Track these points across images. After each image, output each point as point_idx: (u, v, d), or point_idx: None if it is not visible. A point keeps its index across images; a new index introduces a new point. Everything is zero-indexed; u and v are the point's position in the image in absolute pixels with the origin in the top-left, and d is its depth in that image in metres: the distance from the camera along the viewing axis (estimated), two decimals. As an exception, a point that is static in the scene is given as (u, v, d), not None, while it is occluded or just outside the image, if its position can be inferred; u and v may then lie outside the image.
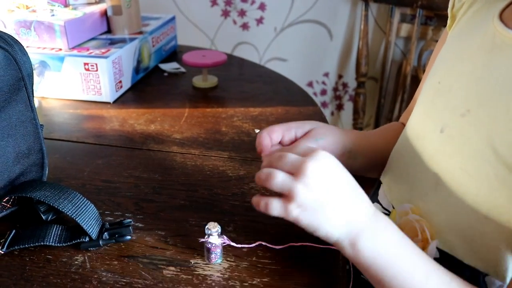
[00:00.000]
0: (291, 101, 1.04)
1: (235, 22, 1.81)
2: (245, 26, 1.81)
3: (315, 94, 1.88)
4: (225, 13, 1.79)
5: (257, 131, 0.84)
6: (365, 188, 0.52)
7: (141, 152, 0.83)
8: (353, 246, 0.49)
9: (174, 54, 1.36)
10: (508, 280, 0.50)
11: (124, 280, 0.55)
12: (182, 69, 1.23)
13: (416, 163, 0.59)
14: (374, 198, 0.68)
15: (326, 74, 1.85)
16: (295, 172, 0.48)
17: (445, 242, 0.54)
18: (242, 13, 1.78)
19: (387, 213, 0.63)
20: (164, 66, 1.24)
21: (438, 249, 0.54)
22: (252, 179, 0.74)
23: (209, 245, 0.56)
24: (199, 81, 1.13)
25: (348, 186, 0.50)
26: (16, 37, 0.90)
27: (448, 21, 0.68)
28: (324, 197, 0.48)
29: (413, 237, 0.55)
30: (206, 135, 0.89)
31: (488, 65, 0.53)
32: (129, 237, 0.60)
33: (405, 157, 0.63)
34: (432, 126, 0.57)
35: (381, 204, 0.65)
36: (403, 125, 0.77)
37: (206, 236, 0.56)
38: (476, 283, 0.51)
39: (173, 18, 1.36)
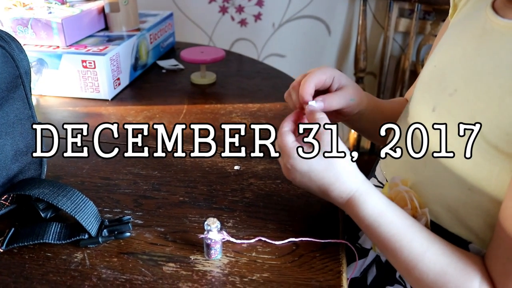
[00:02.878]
0: (290, 96, 1.04)
1: (233, 18, 1.80)
2: (243, 22, 1.80)
3: (313, 90, 1.88)
4: (223, 9, 1.79)
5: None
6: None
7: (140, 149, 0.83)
8: (349, 205, 0.56)
9: (172, 51, 1.36)
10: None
11: (124, 277, 0.55)
12: (180, 66, 1.22)
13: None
14: (372, 174, 0.73)
15: (325, 70, 1.85)
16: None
17: (432, 212, 0.58)
18: (240, 9, 1.78)
19: (381, 186, 0.67)
20: (162, 63, 1.24)
21: None
22: (251, 175, 0.74)
23: (209, 241, 0.56)
24: (197, 78, 1.12)
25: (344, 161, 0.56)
26: (13, 35, 0.90)
27: (450, 10, 0.71)
28: (334, 159, 0.55)
29: (403, 206, 0.59)
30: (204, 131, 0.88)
31: (477, 48, 0.57)
32: (128, 234, 0.60)
33: (401, 132, 0.67)
34: (426, 106, 0.61)
35: (376, 178, 0.70)
36: (407, 101, 0.81)
37: (206, 232, 0.56)
38: None
39: (170, 15, 1.36)
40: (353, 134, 1.73)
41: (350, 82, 0.68)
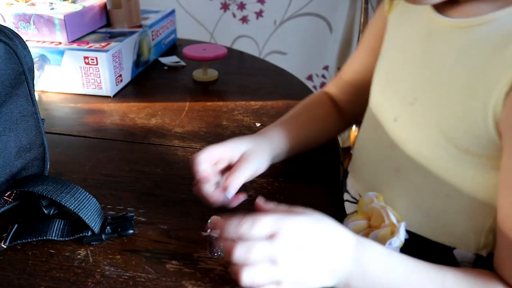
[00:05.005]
0: (292, 94, 1.04)
1: (234, 16, 1.80)
2: (244, 19, 1.80)
3: (314, 87, 1.88)
4: (225, 6, 1.79)
5: (258, 124, 0.84)
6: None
7: (142, 146, 0.83)
8: (349, 287, 0.49)
9: (173, 47, 1.36)
10: (474, 251, 0.54)
11: (127, 274, 0.55)
12: (182, 63, 1.22)
13: (376, 152, 0.62)
14: (344, 188, 0.70)
15: (326, 68, 1.85)
16: (275, 251, 0.46)
17: (411, 224, 0.56)
18: (241, 6, 1.77)
19: (355, 201, 0.65)
20: (164, 60, 1.24)
21: (407, 230, 0.56)
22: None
23: (212, 239, 0.56)
24: (199, 75, 1.12)
25: (326, 235, 0.49)
26: (16, 31, 0.90)
27: (386, 6, 0.69)
28: (310, 254, 0.47)
29: (381, 223, 0.57)
30: (207, 129, 0.88)
31: (426, 52, 0.55)
32: (131, 231, 0.60)
33: (366, 147, 0.65)
34: (386, 116, 0.60)
35: (349, 193, 0.67)
36: (327, 95, 0.81)
37: (209, 230, 0.56)
38: (446, 258, 0.54)
39: (172, 12, 1.36)
40: (354, 132, 1.72)
41: (250, 145, 0.64)
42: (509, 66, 0.44)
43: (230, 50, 1.30)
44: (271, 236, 0.46)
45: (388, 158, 0.59)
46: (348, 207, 0.66)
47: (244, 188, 0.70)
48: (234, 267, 0.47)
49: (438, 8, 0.55)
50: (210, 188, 0.61)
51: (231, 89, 1.08)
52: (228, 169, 0.64)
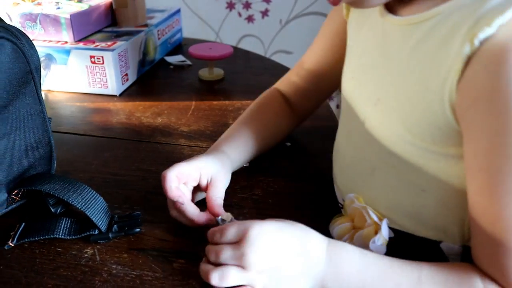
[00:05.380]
0: (298, 93, 1.04)
1: (240, 15, 1.80)
2: (250, 19, 1.80)
3: (320, 86, 1.88)
4: (230, 6, 1.79)
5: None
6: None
7: (148, 145, 0.83)
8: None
9: (179, 47, 1.36)
10: (460, 242, 0.54)
11: (134, 273, 0.55)
12: (188, 62, 1.22)
13: (352, 155, 0.63)
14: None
15: (332, 67, 1.85)
16: (240, 254, 0.49)
17: (395, 221, 0.57)
18: (247, 5, 1.77)
19: (341, 205, 0.65)
20: (169, 59, 1.24)
21: (391, 228, 0.56)
22: (259, 172, 0.74)
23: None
24: (205, 74, 1.12)
25: (295, 239, 0.51)
26: (22, 30, 0.90)
27: (344, 10, 0.69)
28: (277, 257, 0.50)
29: (364, 223, 0.57)
30: (213, 128, 0.88)
31: (383, 52, 0.56)
32: (138, 229, 0.60)
33: (343, 151, 0.66)
34: (356, 119, 0.60)
35: (337, 199, 0.68)
36: (278, 92, 0.82)
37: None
38: (434, 252, 0.55)
39: (178, 11, 1.36)
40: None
41: (216, 169, 0.64)
42: (456, 55, 0.45)
43: (235, 49, 1.30)
44: (238, 242, 0.50)
45: (363, 160, 0.60)
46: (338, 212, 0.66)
47: (250, 187, 0.71)
48: (205, 267, 0.52)
49: (390, 8, 0.56)
50: (191, 209, 0.60)
51: (237, 88, 1.08)
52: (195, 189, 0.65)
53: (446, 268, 0.49)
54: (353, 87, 0.63)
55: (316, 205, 0.68)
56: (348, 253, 0.51)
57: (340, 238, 0.59)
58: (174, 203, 0.61)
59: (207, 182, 0.63)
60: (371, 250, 0.55)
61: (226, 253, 0.50)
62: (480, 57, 0.43)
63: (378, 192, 0.58)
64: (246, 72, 1.18)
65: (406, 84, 0.52)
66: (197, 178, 0.63)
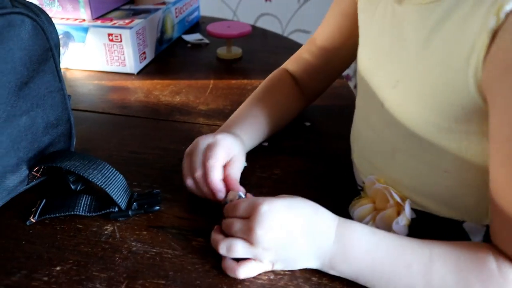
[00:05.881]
0: (317, 73, 1.02)
1: (257, -7, 1.78)
2: (267, -3, 1.78)
3: (338, 66, 1.86)
4: (248, -16, 1.76)
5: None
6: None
7: (167, 124, 0.83)
8: (333, 269, 0.51)
9: (196, 25, 1.35)
10: (484, 221, 0.53)
11: (154, 250, 0.55)
12: (206, 40, 1.21)
13: (371, 137, 0.62)
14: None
15: (350, 46, 1.82)
16: (248, 229, 0.50)
17: (416, 202, 0.56)
18: (265, -17, 1.75)
19: (361, 189, 0.64)
20: (187, 37, 1.23)
21: (413, 209, 0.56)
22: (279, 151, 0.74)
23: None
24: (223, 52, 1.11)
25: (304, 218, 0.52)
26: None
27: None
28: (285, 235, 0.50)
29: (386, 204, 0.57)
30: (232, 107, 0.88)
31: (399, 35, 0.55)
32: (157, 207, 0.61)
33: (362, 133, 0.65)
34: (374, 102, 0.60)
35: (356, 182, 0.67)
36: (287, 73, 0.82)
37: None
38: (456, 231, 0.55)
39: (196, -12, 1.34)
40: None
41: (237, 150, 0.64)
42: (481, 31, 0.44)
43: (253, 28, 1.29)
44: (248, 217, 0.51)
45: (382, 142, 0.59)
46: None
47: (269, 167, 0.70)
48: (216, 236, 0.53)
49: None
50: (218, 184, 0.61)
51: (256, 67, 1.07)
52: None
53: (459, 247, 0.49)
54: (370, 70, 0.62)
55: (335, 185, 0.67)
56: (357, 232, 0.51)
57: (361, 219, 0.59)
58: (197, 170, 0.61)
59: (227, 161, 0.63)
60: (393, 231, 0.54)
61: (236, 226, 0.52)
62: (508, 29, 0.42)
63: (400, 174, 0.57)
64: (264, 51, 1.17)
65: (427, 65, 0.51)
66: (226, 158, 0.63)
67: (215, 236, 0.54)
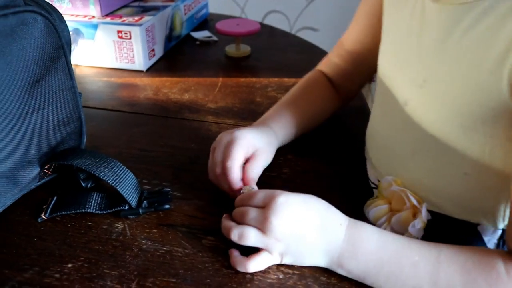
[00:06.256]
0: (325, 71, 1.02)
1: (266, -10, 1.78)
2: (276, -6, 1.78)
3: (345, 64, 1.85)
4: (256, -19, 1.76)
5: None
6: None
7: (176, 121, 0.83)
8: (341, 267, 0.52)
9: (205, 22, 1.35)
10: (500, 225, 0.54)
11: (164, 248, 0.56)
12: (214, 38, 1.21)
13: (390, 136, 0.62)
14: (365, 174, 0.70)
15: (358, 44, 1.82)
16: (264, 218, 0.51)
17: (432, 204, 0.56)
18: (273, -20, 1.75)
19: (375, 186, 0.65)
20: (196, 35, 1.23)
21: (428, 210, 0.56)
22: (288, 151, 0.74)
23: None
24: (232, 50, 1.11)
25: (317, 213, 0.52)
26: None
27: None
28: (298, 228, 0.51)
29: (402, 206, 0.57)
30: (240, 105, 0.88)
31: (430, 34, 0.54)
32: (168, 206, 0.61)
33: (379, 132, 0.65)
34: (396, 100, 0.59)
35: (369, 180, 0.67)
36: (322, 74, 0.81)
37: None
38: (471, 233, 0.55)
39: (204, -14, 1.34)
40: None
41: (262, 142, 0.64)
42: None
43: (261, 25, 1.29)
44: (264, 207, 0.52)
45: (402, 142, 0.59)
46: (376, 193, 0.66)
47: (278, 165, 0.70)
48: (228, 223, 0.54)
49: None
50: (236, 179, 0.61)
51: (264, 65, 1.07)
52: None
53: (468, 250, 0.49)
54: (394, 68, 0.61)
55: (344, 185, 0.67)
56: (366, 232, 0.52)
57: (376, 220, 0.59)
58: (217, 167, 0.62)
59: (249, 155, 0.63)
60: (409, 233, 0.54)
61: (251, 215, 0.52)
62: None
63: (418, 174, 0.57)
64: (272, 49, 1.17)
65: (458, 65, 0.51)
66: (247, 156, 0.63)
67: (226, 222, 0.54)
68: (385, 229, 0.57)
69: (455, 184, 0.54)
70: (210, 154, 0.65)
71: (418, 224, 0.54)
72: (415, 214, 0.56)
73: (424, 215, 0.55)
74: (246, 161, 0.63)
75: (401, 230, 0.55)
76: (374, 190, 0.64)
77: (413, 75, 0.57)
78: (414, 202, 0.56)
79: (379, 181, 0.63)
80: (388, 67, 0.63)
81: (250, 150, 0.63)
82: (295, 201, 0.52)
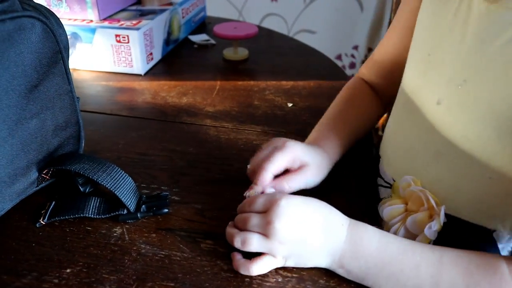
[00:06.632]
0: (323, 74, 1.03)
1: (263, -7, 1.78)
2: (273, -3, 1.78)
3: (343, 67, 1.86)
4: (254, -16, 1.76)
5: (290, 105, 0.83)
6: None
7: (174, 125, 0.83)
8: (342, 268, 0.52)
9: (203, 25, 1.35)
10: None
11: (163, 253, 0.56)
12: (212, 41, 1.22)
13: (414, 136, 0.60)
14: (375, 172, 0.69)
15: (356, 47, 1.82)
16: (266, 222, 0.51)
17: (451, 207, 0.56)
18: (270, -17, 1.75)
19: (389, 186, 0.64)
20: (193, 38, 1.23)
21: (445, 214, 0.56)
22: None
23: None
24: (230, 54, 1.12)
25: (320, 215, 0.53)
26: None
27: None
28: (301, 230, 0.51)
29: (419, 207, 0.57)
30: (238, 108, 0.88)
31: (476, 32, 0.53)
32: (166, 210, 0.61)
33: (400, 131, 0.64)
34: (427, 99, 0.58)
35: (383, 178, 0.67)
36: (363, 82, 0.80)
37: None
38: (485, 239, 0.54)
39: (202, -11, 1.34)
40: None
41: (312, 160, 0.63)
42: None
43: (259, 28, 1.29)
44: (266, 211, 0.52)
45: (427, 142, 0.58)
46: (383, 192, 0.66)
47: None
48: (231, 230, 0.54)
49: None
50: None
51: (262, 68, 1.07)
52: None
53: (472, 253, 0.49)
54: (428, 65, 0.59)
55: (344, 186, 0.67)
56: (368, 233, 0.52)
57: (391, 219, 0.59)
58: (253, 164, 0.63)
59: (294, 168, 0.63)
60: (423, 235, 0.54)
61: (253, 221, 0.52)
62: None
63: (440, 176, 0.57)
64: (270, 52, 1.17)
65: (502, 69, 0.50)
66: (289, 167, 0.63)
67: (230, 230, 0.55)
68: (398, 228, 0.58)
69: (477, 188, 0.53)
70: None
71: (435, 226, 0.54)
72: (431, 216, 0.56)
73: (442, 217, 0.55)
74: (287, 171, 0.63)
75: (416, 231, 0.55)
76: (388, 190, 0.63)
77: (452, 74, 0.55)
78: (433, 203, 0.56)
79: (394, 180, 0.63)
80: (419, 66, 0.61)
81: (296, 163, 0.62)
82: (297, 203, 0.53)
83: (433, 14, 0.61)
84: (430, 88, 0.58)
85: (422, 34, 0.63)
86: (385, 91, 0.79)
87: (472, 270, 0.47)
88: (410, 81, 0.63)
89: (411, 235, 0.56)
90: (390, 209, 0.59)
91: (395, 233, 0.57)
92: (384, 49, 0.78)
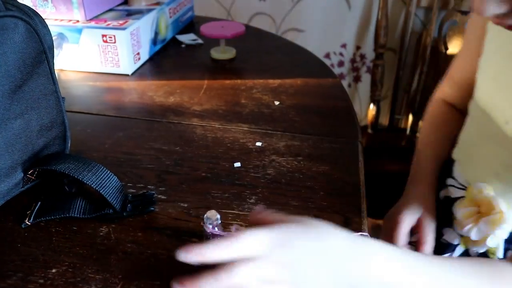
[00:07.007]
0: (310, 72, 1.03)
1: (251, -8, 1.78)
2: (261, -4, 1.78)
3: (332, 65, 1.86)
4: (242, -17, 1.76)
5: (276, 103, 0.83)
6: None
7: (161, 124, 0.83)
8: None
9: (190, 25, 1.35)
10: None
11: (149, 251, 0.56)
12: (200, 41, 1.22)
13: (486, 147, 0.65)
14: (448, 174, 0.74)
15: (344, 45, 1.83)
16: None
17: None
18: (258, -18, 1.75)
19: (463, 188, 0.69)
20: (181, 38, 1.23)
21: None
22: (273, 151, 0.74)
23: (209, 235, 0.53)
24: (217, 53, 1.12)
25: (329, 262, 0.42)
26: (34, 9, 0.90)
27: None
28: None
29: (490, 211, 0.61)
30: (226, 107, 0.88)
31: None
32: (152, 209, 0.61)
33: (476, 140, 0.68)
34: (496, 117, 0.61)
35: (457, 180, 0.72)
36: (447, 105, 0.84)
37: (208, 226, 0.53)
38: None
39: (189, -11, 1.34)
40: (372, 110, 1.71)
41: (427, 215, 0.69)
42: None
43: (247, 27, 1.29)
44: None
45: (499, 154, 0.62)
46: (456, 192, 0.71)
47: (263, 167, 0.71)
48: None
49: None
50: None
51: (249, 67, 1.08)
52: None
53: (475, 259, 0.52)
54: (496, 88, 0.62)
55: (330, 184, 0.68)
56: (375, 247, 0.44)
57: (464, 219, 0.64)
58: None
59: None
60: (494, 235, 0.61)
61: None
62: None
63: (509, 186, 0.61)
64: (258, 51, 1.17)
65: None
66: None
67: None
68: (471, 229, 0.63)
69: None
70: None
71: (505, 229, 0.61)
72: (500, 218, 0.61)
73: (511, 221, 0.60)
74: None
75: (487, 230, 0.61)
76: (460, 191, 0.68)
77: None
78: (504, 208, 0.61)
79: (469, 184, 0.68)
80: (490, 88, 0.64)
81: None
82: (289, 234, 0.41)
83: (496, 40, 0.64)
84: (498, 109, 0.61)
85: (489, 58, 0.65)
86: (466, 104, 0.79)
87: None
88: (480, 100, 0.66)
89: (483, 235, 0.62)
90: (464, 210, 0.65)
91: (468, 231, 0.63)
92: (460, 69, 0.81)
